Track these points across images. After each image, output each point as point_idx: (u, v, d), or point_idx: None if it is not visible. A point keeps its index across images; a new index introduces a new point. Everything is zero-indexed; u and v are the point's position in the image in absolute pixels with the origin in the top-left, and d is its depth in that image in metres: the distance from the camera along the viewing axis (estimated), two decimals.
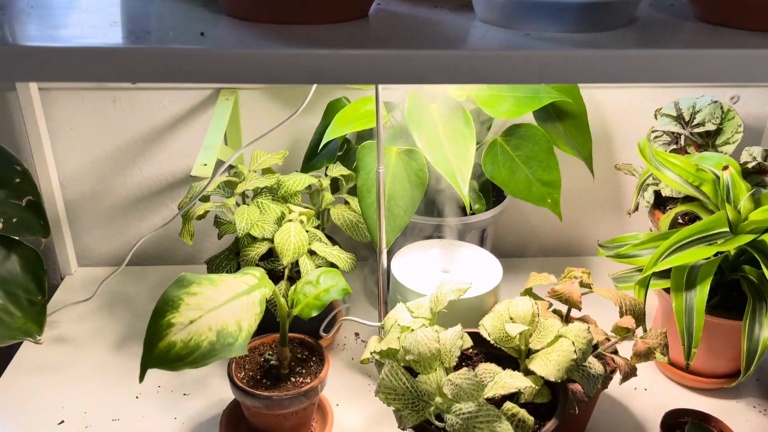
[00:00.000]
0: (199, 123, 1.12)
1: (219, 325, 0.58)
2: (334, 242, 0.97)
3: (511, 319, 0.74)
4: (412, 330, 0.69)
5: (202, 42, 0.46)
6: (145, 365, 0.55)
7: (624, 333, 0.79)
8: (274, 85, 1.09)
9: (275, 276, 0.93)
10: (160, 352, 0.55)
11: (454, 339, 0.67)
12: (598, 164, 1.14)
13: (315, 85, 0.94)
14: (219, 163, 0.94)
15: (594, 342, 0.80)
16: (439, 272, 0.91)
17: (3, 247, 0.75)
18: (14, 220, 0.77)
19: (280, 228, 0.83)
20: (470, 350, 0.80)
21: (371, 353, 0.71)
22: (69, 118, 1.10)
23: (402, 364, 0.67)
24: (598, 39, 0.48)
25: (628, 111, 1.14)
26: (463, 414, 0.60)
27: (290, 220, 0.86)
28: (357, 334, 1.04)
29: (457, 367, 0.70)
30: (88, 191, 1.16)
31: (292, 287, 0.80)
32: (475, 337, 0.76)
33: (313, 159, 0.99)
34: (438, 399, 0.64)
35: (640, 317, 0.81)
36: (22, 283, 0.76)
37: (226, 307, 0.60)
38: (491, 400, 0.68)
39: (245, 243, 0.89)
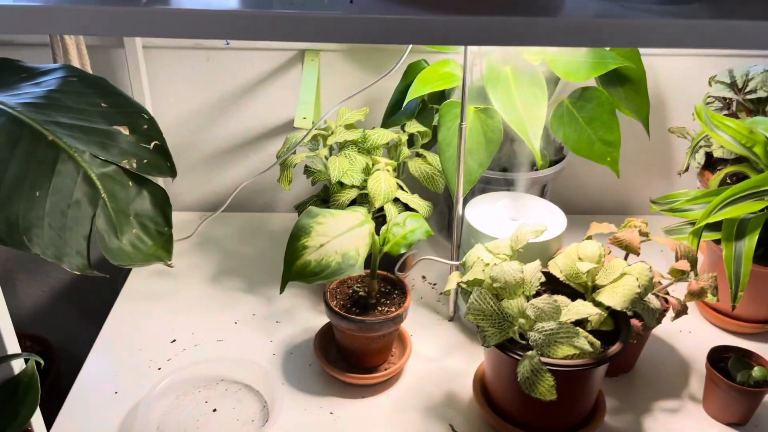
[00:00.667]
0: (283, 82, 1.22)
1: (343, 249, 0.69)
2: (415, 193, 1.08)
3: (580, 258, 0.84)
4: (496, 264, 0.79)
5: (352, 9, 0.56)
6: (286, 278, 0.67)
7: (679, 275, 0.88)
8: (354, 48, 1.18)
9: None
10: (298, 268, 0.66)
11: (535, 271, 0.78)
12: (652, 128, 1.23)
13: (409, 49, 1.03)
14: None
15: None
16: (508, 220, 1.01)
17: (136, 185, 0.87)
18: (145, 161, 0.88)
19: (371, 175, 0.94)
20: (540, 287, 0.90)
21: (458, 283, 0.82)
22: (168, 74, 1.21)
23: (489, 292, 0.78)
24: (683, 10, 0.57)
25: (683, 78, 1.22)
26: (545, 331, 0.71)
27: (378, 170, 0.96)
28: (424, 277, 1.15)
29: (535, 297, 0.81)
30: (181, 142, 1.27)
31: (383, 227, 0.90)
32: (547, 276, 0.86)
33: (393, 116, 1.09)
34: (521, 320, 0.74)
35: (693, 262, 0.90)
36: (152, 217, 0.88)
37: (346, 235, 0.71)
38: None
39: (335, 190, 1.00)
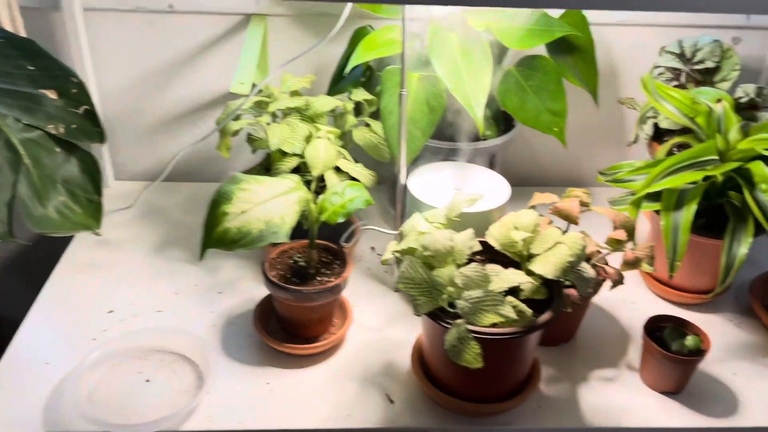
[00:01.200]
0: (229, 48, 1.19)
1: (266, 216, 0.68)
2: (359, 162, 1.06)
3: (516, 228, 0.84)
4: (430, 232, 0.78)
5: None
6: (206, 245, 0.65)
7: (616, 245, 0.88)
8: (302, 14, 1.15)
9: None
10: (218, 235, 0.65)
11: (466, 240, 0.77)
12: (603, 99, 1.22)
13: (347, 13, 1.01)
14: (253, 85, 1.02)
15: (588, 252, 0.90)
16: (452, 190, 1.00)
17: (64, 151, 0.84)
18: (73, 126, 0.86)
19: (310, 143, 0.92)
20: (478, 256, 0.89)
21: (392, 252, 0.81)
22: (109, 39, 1.17)
23: (420, 261, 0.77)
24: None
25: (634, 49, 1.21)
26: (472, 299, 0.71)
27: (319, 137, 0.94)
28: (373, 248, 1.14)
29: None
30: (125, 109, 1.24)
31: (321, 196, 0.89)
32: (483, 246, 0.86)
33: (339, 83, 1.07)
34: (450, 289, 0.74)
35: (631, 232, 0.90)
36: (81, 184, 0.85)
37: (271, 202, 0.69)
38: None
39: (276, 158, 0.98)
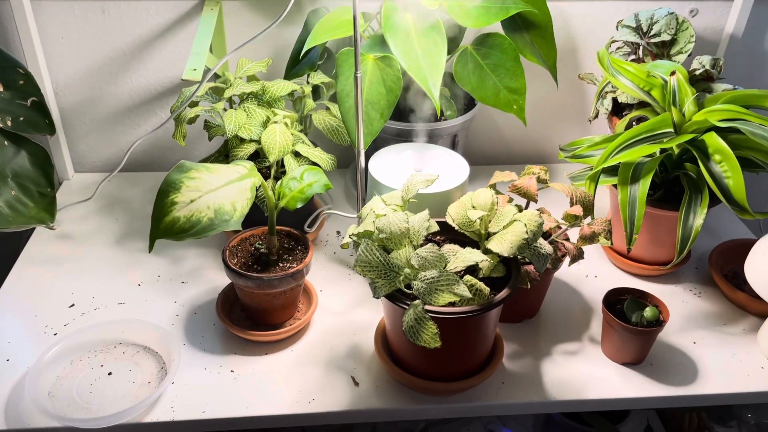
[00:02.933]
0: (185, 33, 1.17)
1: (216, 204, 0.67)
2: (317, 146, 1.06)
3: (474, 207, 0.84)
4: (386, 215, 0.78)
5: None
6: (154, 236, 0.64)
7: (573, 220, 0.89)
8: None
9: (263, 176, 1.02)
10: (166, 225, 0.64)
11: (422, 221, 0.77)
12: (562, 75, 1.22)
13: None
14: (207, 70, 1.00)
15: (546, 228, 0.91)
16: (413, 171, 1.00)
17: (13, 144, 0.82)
18: (21, 119, 0.84)
19: (266, 129, 0.91)
20: (437, 237, 0.90)
21: (350, 236, 0.81)
22: (60, 28, 1.14)
23: (377, 243, 0.77)
24: None
25: (593, 24, 1.21)
26: (427, 279, 0.71)
27: (275, 122, 0.93)
28: (338, 232, 1.14)
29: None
30: (81, 100, 1.21)
31: (279, 182, 0.88)
32: (442, 225, 0.86)
33: (295, 67, 1.06)
34: (407, 270, 0.74)
35: (588, 207, 0.91)
36: (33, 177, 0.84)
37: (221, 190, 0.69)
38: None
39: (234, 144, 0.97)
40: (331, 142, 1.04)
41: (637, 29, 1.10)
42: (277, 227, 0.95)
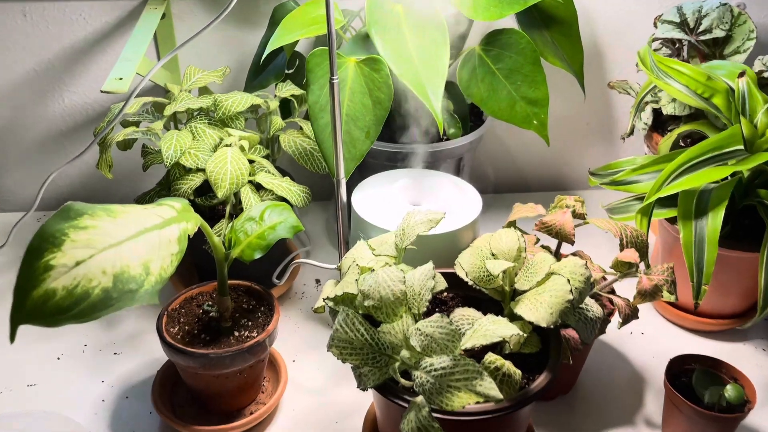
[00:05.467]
0: (126, 41, 0.95)
1: (117, 267, 0.44)
2: (287, 176, 0.84)
3: (493, 255, 0.62)
4: (373, 270, 0.56)
5: None
6: (16, 321, 0.42)
7: (626, 269, 0.67)
8: None
9: (217, 215, 0.80)
10: (34, 302, 0.42)
11: (424, 279, 0.55)
12: (589, 83, 1.01)
13: None
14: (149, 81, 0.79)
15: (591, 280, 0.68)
16: (408, 206, 0.78)
17: None
18: None
19: (213, 154, 0.69)
20: (445, 294, 0.67)
21: (324, 299, 0.58)
22: None
23: (361, 312, 0.54)
24: None
25: (624, 22, 1.00)
26: (436, 370, 0.48)
27: (228, 145, 0.71)
28: (318, 281, 0.91)
29: (428, 314, 0.58)
30: (2, 125, 1.00)
31: (230, 225, 0.66)
32: (452, 278, 0.64)
33: (258, 76, 0.84)
34: (404, 353, 0.51)
35: (643, 250, 0.69)
36: None
37: (128, 244, 0.46)
38: (470, 352, 0.56)
39: (176, 175, 0.75)
40: (307, 170, 0.82)
41: (682, 25, 0.89)
42: (233, 282, 0.73)
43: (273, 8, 0.84)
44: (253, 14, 0.91)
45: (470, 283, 0.62)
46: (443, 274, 0.64)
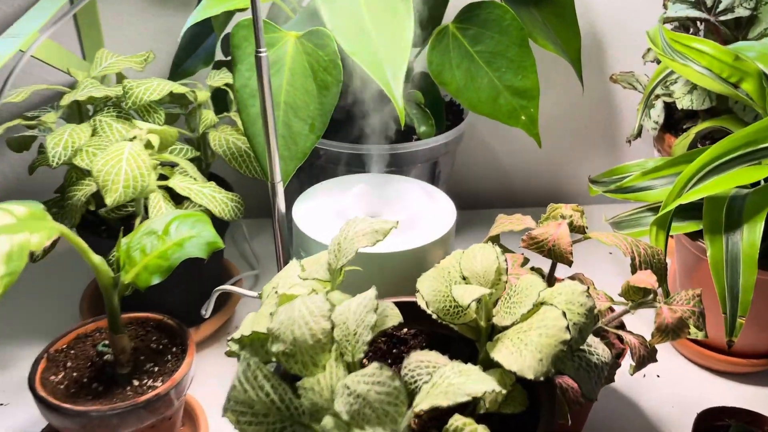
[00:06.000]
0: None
1: None
2: (223, 184, 0.69)
3: (464, 278, 0.46)
4: (293, 298, 0.40)
5: None
6: None
7: (640, 297, 0.51)
8: None
9: (128, 229, 0.64)
10: None
11: (362, 313, 0.39)
12: (585, 78, 0.86)
13: None
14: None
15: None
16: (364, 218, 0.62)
17: None
18: None
19: (105, 151, 0.54)
20: (405, 331, 0.52)
21: (229, 341, 0.42)
22: None
23: (273, 360, 0.39)
24: None
25: (625, 9, 0.86)
26: None
27: (128, 140, 0.56)
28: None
29: (374, 360, 0.42)
30: None
31: (123, 241, 0.51)
32: (413, 310, 0.48)
33: (185, 62, 0.70)
34: (327, 421, 0.35)
35: (661, 272, 0.54)
36: None
37: None
38: (432, 412, 0.41)
39: (72, 180, 0.60)
40: (256, 177, 0.67)
41: (698, 3, 0.75)
42: (138, 315, 0.57)
43: None
44: None
45: (434, 316, 0.46)
46: (401, 304, 0.48)
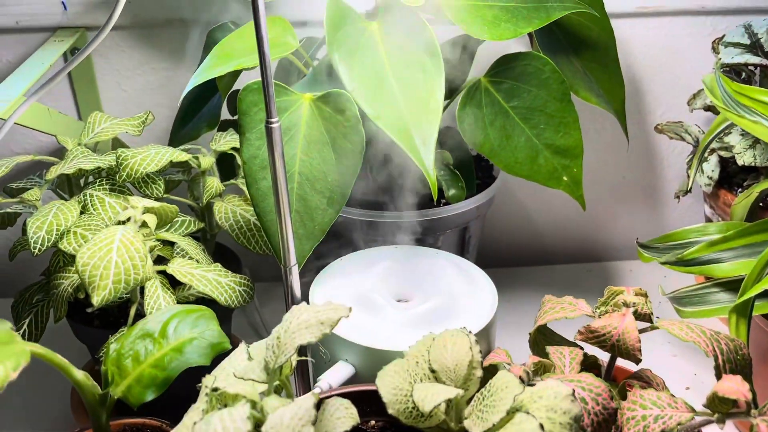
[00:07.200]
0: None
1: None
2: (233, 260, 0.61)
3: (433, 371, 0.39)
4: (226, 406, 0.34)
5: None
6: None
7: (728, 408, 0.43)
8: (137, 24, 0.72)
9: (125, 317, 0.56)
10: None
11: (296, 427, 0.32)
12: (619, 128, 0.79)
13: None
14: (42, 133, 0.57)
15: (672, 425, 0.44)
16: (391, 302, 0.54)
17: None
18: None
19: (95, 236, 0.46)
20: (373, 424, 0.44)
21: None
22: None
23: None
24: None
25: (667, 51, 0.79)
26: None
27: (120, 222, 0.49)
28: None
29: None
30: None
31: (112, 347, 0.43)
32: (377, 409, 0.41)
33: (186, 124, 0.63)
34: None
35: (746, 370, 0.45)
36: None
37: None
38: None
39: (58, 266, 0.52)
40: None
41: (753, 47, 0.67)
42: (124, 422, 0.49)
43: (207, 32, 0.63)
44: (184, 48, 0.70)
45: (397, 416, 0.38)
46: (370, 393, 0.41)
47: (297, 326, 0.37)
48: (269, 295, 0.80)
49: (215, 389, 0.37)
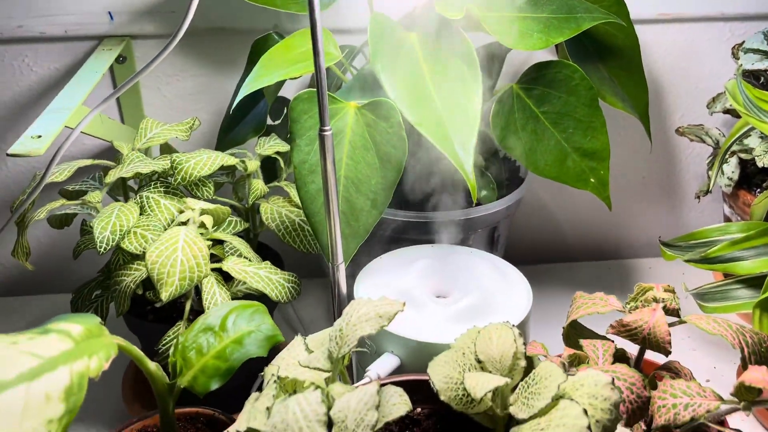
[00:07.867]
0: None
1: None
2: (275, 258, 0.64)
3: (479, 362, 0.42)
4: (294, 392, 0.37)
5: None
6: None
7: (753, 396, 0.46)
8: (192, 33, 0.75)
9: (178, 311, 0.60)
10: None
11: (362, 411, 0.35)
12: (641, 130, 0.82)
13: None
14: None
15: (701, 413, 0.47)
16: (431, 298, 0.58)
17: None
18: None
19: (160, 236, 0.50)
20: (419, 411, 0.47)
21: None
22: None
23: None
24: None
25: (687, 56, 0.82)
26: None
27: (182, 223, 0.52)
28: None
29: None
30: None
31: (175, 339, 0.46)
32: (428, 387, 0.44)
33: (233, 130, 0.66)
34: None
35: None
36: None
37: None
38: None
39: (118, 264, 0.56)
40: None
41: None
42: (187, 410, 0.52)
43: (253, 42, 0.66)
44: (235, 56, 0.74)
45: (448, 402, 0.42)
46: (416, 382, 0.45)
47: (358, 319, 0.40)
48: (304, 291, 0.83)
49: (280, 377, 0.40)
